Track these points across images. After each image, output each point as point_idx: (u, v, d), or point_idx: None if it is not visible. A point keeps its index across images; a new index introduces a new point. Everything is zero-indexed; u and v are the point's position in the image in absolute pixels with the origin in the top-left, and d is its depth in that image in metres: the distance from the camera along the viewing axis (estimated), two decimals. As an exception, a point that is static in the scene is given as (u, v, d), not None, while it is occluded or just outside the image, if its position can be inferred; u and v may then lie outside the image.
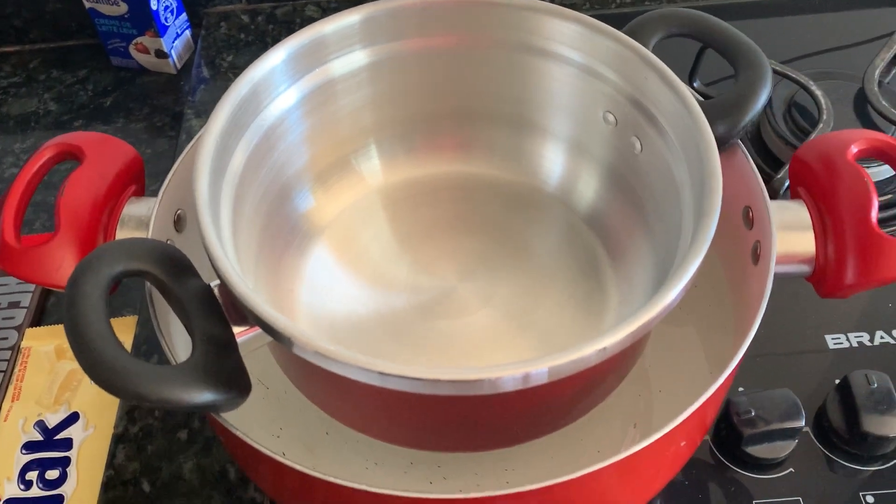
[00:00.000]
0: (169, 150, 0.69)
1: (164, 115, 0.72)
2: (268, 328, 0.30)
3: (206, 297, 0.32)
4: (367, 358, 0.29)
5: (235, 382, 0.31)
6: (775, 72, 0.58)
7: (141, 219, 0.38)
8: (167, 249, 0.33)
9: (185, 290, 0.32)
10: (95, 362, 0.28)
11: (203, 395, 0.29)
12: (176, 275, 0.32)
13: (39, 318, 0.59)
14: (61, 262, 0.36)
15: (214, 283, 0.32)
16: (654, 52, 0.38)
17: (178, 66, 0.74)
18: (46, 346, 0.56)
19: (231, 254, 0.33)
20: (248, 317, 0.31)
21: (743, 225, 0.40)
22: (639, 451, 0.32)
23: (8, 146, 0.70)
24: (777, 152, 0.59)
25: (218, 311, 0.32)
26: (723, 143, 0.37)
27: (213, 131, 0.34)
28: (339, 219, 0.44)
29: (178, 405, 0.29)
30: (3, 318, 0.58)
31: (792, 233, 0.37)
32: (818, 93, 0.58)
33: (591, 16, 0.39)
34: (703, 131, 0.34)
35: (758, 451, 0.46)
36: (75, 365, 0.55)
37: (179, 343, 0.38)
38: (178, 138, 0.69)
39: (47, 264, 0.35)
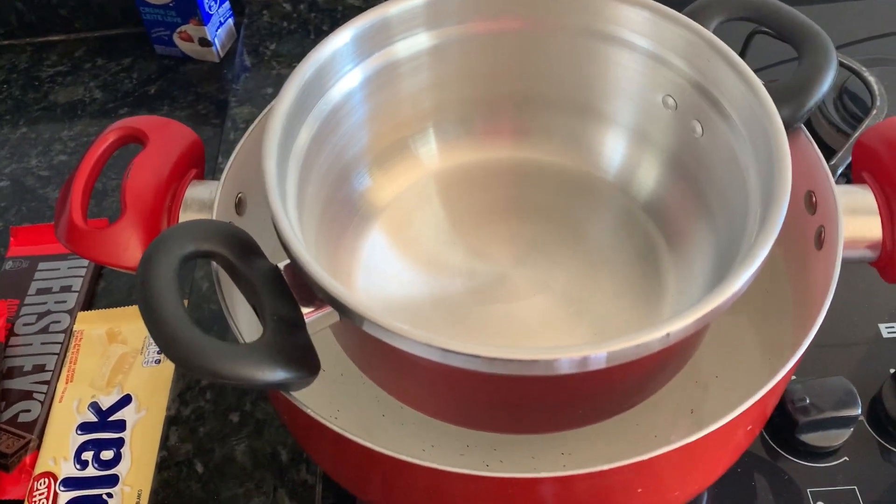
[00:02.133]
0: (213, 137, 0.69)
1: (208, 102, 0.73)
2: (339, 305, 0.30)
3: (274, 277, 0.32)
4: (431, 335, 0.29)
5: (306, 361, 0.31)
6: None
7: (203, 201, 0.39)
8: (234, 231, 0.33)
9: (253, 271, 0.32)
10: (172, 340, 0.29)
11: (276, 374, 0.29)
12: (244, 256, 0.32)
13: (90, 302, 0.60)
14: (127, 243, 0.36)
15: (282, 263, 0.33)
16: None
17: (221, 54, 0.75)
18: (98, 330, 0.57)
19: (298, 233, 0.33)
20: (318, 295, 0.31)
21: (805, 210, 0.39)
22: (700, 438, 0.32)
23: (56, 133, 0.71)
24: (828, 140, 0.58)
25: (286, 292, 0.32)
26: (787, 127, 0.37)
27: (280, 111, 0.34)
28: (395, 201, 0.44)
29: (252, 382, 0.29)
30: (56, 302, 0.59)
31: (858, 217, 0.36)
32: (871, 79, 0.57)
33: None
34: (771, 115, 0.34)
35: (812, 438, 0.46)
36: (126, 348, 0.56)
37: (242, 324, 0.38)
38: (222, 126, 0.69)
39: (114, 245, 0.36)
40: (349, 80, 0.39)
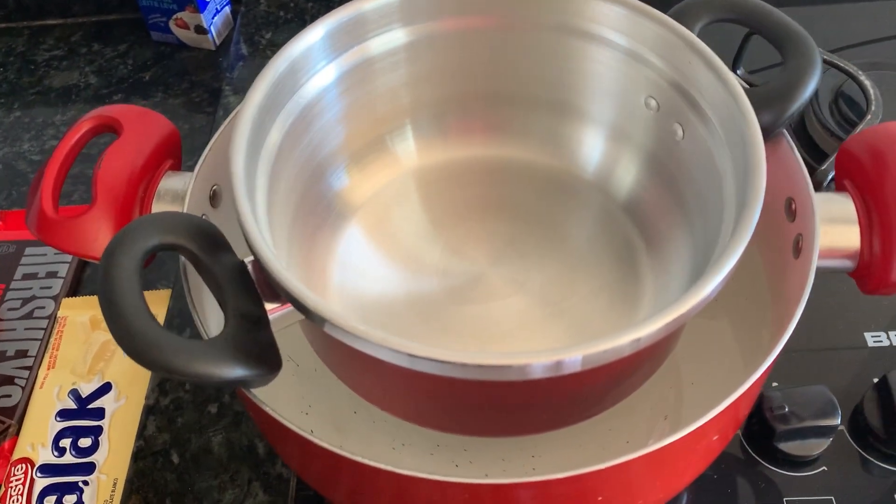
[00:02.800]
0: (206, 125, 0.69)
1: (202, 90, 0.72)
2: (300, 306, 0.30)
3: (239, 273, 0.32)
4: (397, 339, 0.29)
5: (266, 359, 0.31)
6: (822, 61, 0.57)
7: (177, 193, 0.39)
8: (202, 224, 0.33)
9: (218, 266, 0.32)
10: (128, 334, 0.29)
11: (234, 371, 0.29)
12: (210, 250, 0.32)
13: (76, 288, 0.60)
14: (97, 234, 0.36)
15: (248, 259, 0.32)
16: (699, 37, 0.37)
17: (217, 42, 0.75)
18: (82, 317, 0.57)
19: (265, 231, 0.33)
20: (280, 294, 0.31)
21: (785, 217, 0.39)
22: (670, 443, 0.31)
23: (49, 118, 0.71)
24: (821, 144, 0.58)
25: (251, 288, 0.32)
26: (768, 133, 0.36)
27: (250, 107, 0.34)
28: (372, 199, 0.44)
29: (208, 380, 0.29)
30: (41, 288, 0.59)
31: (836, 226, 0.36)
32: (867, 83, 0.56)
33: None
34: (748, 119, 0.33)
35: (790, 447, 0.45)
36: (109, 336, 0.56)
37: (212, 318, 0.38)
38: (215, 114, 0.69)
39: (83, 235, 0.36)
40: (323, 77, 0.38)
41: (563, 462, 0.38)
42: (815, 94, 0.58)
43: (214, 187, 0.40)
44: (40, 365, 0.55)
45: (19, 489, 0.49)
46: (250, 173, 0.33)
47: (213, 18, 0.73)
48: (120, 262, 0.30)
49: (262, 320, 0.31)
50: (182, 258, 0.35)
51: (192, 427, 0.50)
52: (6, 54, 0.76)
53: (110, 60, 0.75)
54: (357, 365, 0.36)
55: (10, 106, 0.72)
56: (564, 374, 0.30)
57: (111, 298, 0.29)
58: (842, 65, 0.57)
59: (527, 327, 0.40)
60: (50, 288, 0.59)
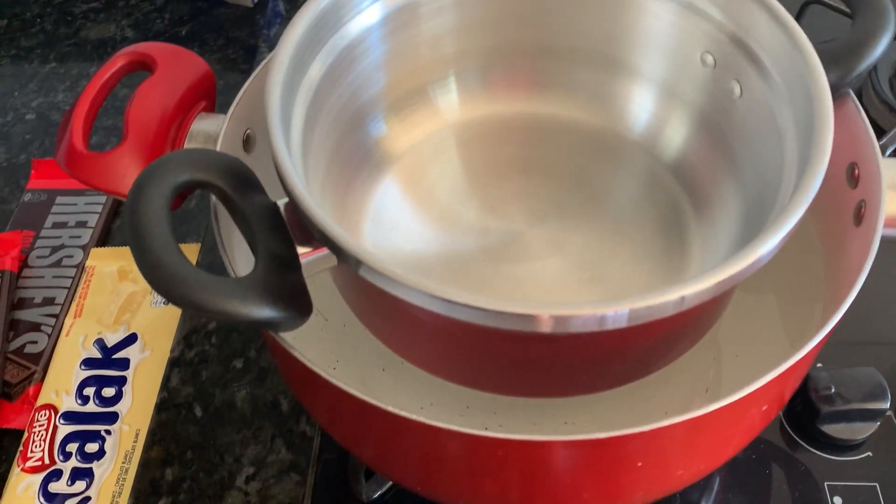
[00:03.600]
0: (241, 83, 0.68)
1: (238, 47, 0.71)
2: (335, 247, 0.29)
3: (271, 213, 0.31)
4: (434, 284, 0.28)
5: (296, 301, 0.29)
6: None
7: (209, 135, 0.37)
8: (234, 163, 0.32)
9: (250, 205, 0.31)
10: (155, 267, 0.28)
11: (262, 311, 0.28)
12: (242, 189, 0.31)
13: (105, 238, 0.59)
14: (126, 170, 0.35)
15: (282, 201, 0.31)
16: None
17: (255, -1, 0.74)
18: (110, 267, 0.56)
19: (300, 170, 0.32)
20: (314, 235, 0.30)
21: (846, 183, 0.37)
22: (712, 411, 0.30)
23: (84, 70, 0.71)
24: (879, 119, 0.55)
25: (283, 229, 0.30)
26: (834, 91, 0.34)
27: (291, 40, 0.33)
28: (409, 152, 0.42)
29: (236, 318, 0.28)
30: (71, 237, 0.58)
31: (904, 193, 0.34)
32: (932, 57, 0.53)
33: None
34: (816, 73, 0.31)
35: (834, 430, 0.43)
36: (136, 287, 0.56)
37: (242, 265, 0.37)
38: (251, 72, 0.68)
39: (113, 171, 0.35)
40: (368, 16, 0.37)
41: (597, 430, 0.37)
42: (875, 67, 0.56)
43: (248, 131, 0.39)
44: (67, 313, 0.54)
45: (42, 434, 0.49)
46: (286, 111, 0.32)
47: (251, -26, 0.72)
48: (149, 196, 0.29)
49: (293, 263, 0.30)
50: (213, 198, 0.34)
51: (216, 381, 0.50)
52: (44, 5, 0.76)
53: (147, 14, 0.75)
54: (390, 314, 0.34)
55: (45, 56, 0.72)
56: (603, 332, 0.28)
57: (139, 233, 0.28)
58: (905, 37, 0.55)
59: (563, 289, 0.39)
60: (79, 237, 0.58)
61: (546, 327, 0.28)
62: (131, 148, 0.35)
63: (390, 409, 0.29)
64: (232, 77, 0.69)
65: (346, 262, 0.29)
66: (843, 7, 0.39)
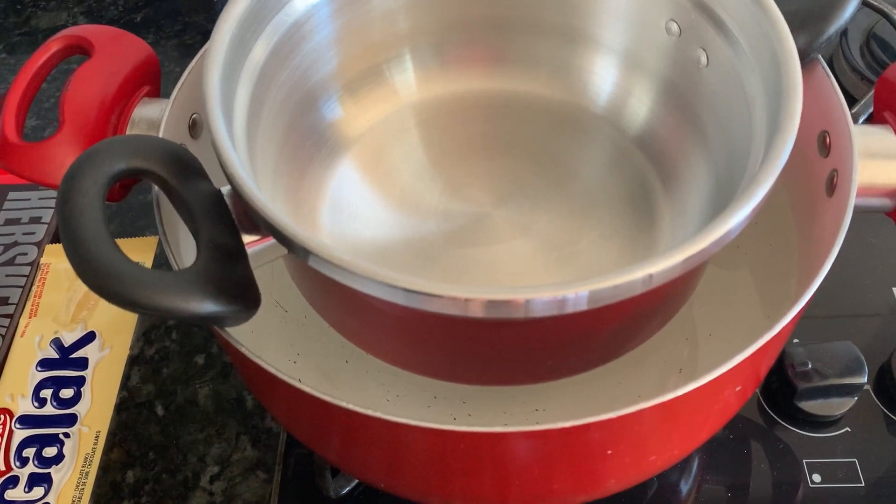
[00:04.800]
0: (198, 68, 0.66)
1: (195, 32, 0.69)
2: (280, 237, 0.27)
3: (215, 201, 0.29)
4: (391, 273, 0.26)
5: (242, 294, 0.28)
6: None
7: (153, 121, 0.35)
8: (175, 149, 0.30)
9: (192, 193, 0.29)
10: (87, 263, 0.26)
11: (205, 305, 0.26)
12: (184, 176, 0.29)
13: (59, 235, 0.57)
14: (63, 160, 0.33)
15: (226, 188, 0.30)
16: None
17: (211, -19, 0.71)
18: (65, 264, 0.54)
19: (244, 156, 0.30)
20: (259, 224, 0.28)
21: (818, 152, 0.35)
22: (685, 394, 0.29)
23: (35, 60, 0.68)
24: (850, 87, 0.54)
25: (227, 218, 0.29)
26: (802, 57, 0.32)
27: (229, 19, 0.31)
28: (367, 134, 0.41)
29: (176, 314, 0.26)
30: (24, 234, 0.56)
31: (876, 161, 0.32)
32: (903, 22, 0.52)
33: None
34: (783, 37, 0.30)
35: (812, 406, 0.42)
36: (94, 284, 0.54)
37: (189, 257, 0.35)
38: (208, 57, 0.66)
39: (48, 162, 0.33)
40: (313, -9, 0.35)
41: (569, 416, 0.36)
42: (845, 34, 0.55)
43: (194, 116, 0.37)
44: (22, 313, 0.52)
45: (-3, 440, 0.47)
46: (228, 90, 0.30)
47: (207, -44, 0.70)
48: (81, 186, 0.27)
49: (238, 253, 0.28)
50: (155, 188, 0.32)
51: (177, 378, 0.48)
52: (-8, -7, 0.73)
53: (100, 1, 0.72)
54: (346, 306, 0.33)
55: (-6, 47, 0.69)
56: (567, 316, 0.27)
57: (70, 224, 0.27)
58: (875, 3, 0.54)
59: (532, 272, 0.37)
60: (33, 234, 0.56)
61: (509, 312, 0.26)
62: (68, 136, 0.33)
63: (351, 406, 0.28)
64: (189, 63, 0.67)
65: (294, 251, 0.27)
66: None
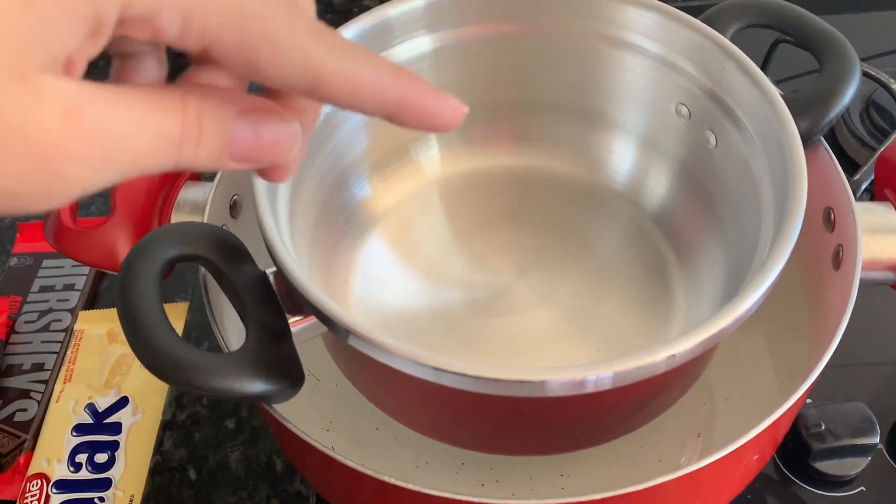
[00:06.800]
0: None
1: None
2: (324, 318, 0.29)
3: (261, 284, 0.31)
4: (422, 352, 0.28)
5: (288, 373, 0.30)
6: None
7: (196, 203, 0.38)
8: (222, 234, 0.32)
9: (239, 277, 0.31)
10: (147, 348, 0.28)
11: (255, 385, 0.28)
12: (231, 260, 0.31)
13: (93, 301, 0.59)
14: (115, 245, 0.35)
15: (270, 270, 0.32)
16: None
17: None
18: (98, 330, 0.56)
19: (288, 241, 0.32)
20: (303, 306, 0.30)
21: (823, 227, 0.37)
22: (707, 465, 0.30)
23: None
24: (852, 154, 0.56)
25: (273, 299, 0.31)
26: (805, 140, 0.35)
27: (272, 114, 0.33)
28: (395, 209, 0.43)
29: (229, 394, 0.28)
30: (58, 301, 0.58)
31: (879, 236, 0.34)
32: (900, 91, 0.54)
33: (664, 2, 0.37)
34: (787, 125, 0.32)
35: (827, 467, 0.43)
36: (126, 349, 0.55)
37: (232, 332, 0.37)
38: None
39: (102, 246, 0.35)
40: (348, 83, 0.37)
41: (593, 482, 0.37)
42: (846, 103, 0.57)
43: (235, 197, 0.39)
44: (56, 378, 0.54)
45: (34, 505, 0.48)
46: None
47: (231, 30, 0.73)
48: (139, 274, 0.29)
49: (284, 333, 0.30)
50: (202, 269, 0.35)
51: (209, 442, 0.49)
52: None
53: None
54: (380, 379, 0.35)
55: (28, 118, 0.72)
56: (595, 392, 0.28)
57: (130, 311, 0.29)
58: (873, 73, 0.56)
59: (553, 341, 0.39)
60: (67, 300, 0.58)
61: (546, 392, 0.28)
62: (119, 222, 0.36)
63: (383, 477, 0.29)
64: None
65: (335, 331, 0.29)
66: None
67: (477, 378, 0.28)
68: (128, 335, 0.28)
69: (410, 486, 0.30)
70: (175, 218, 0.37)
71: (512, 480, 0.38)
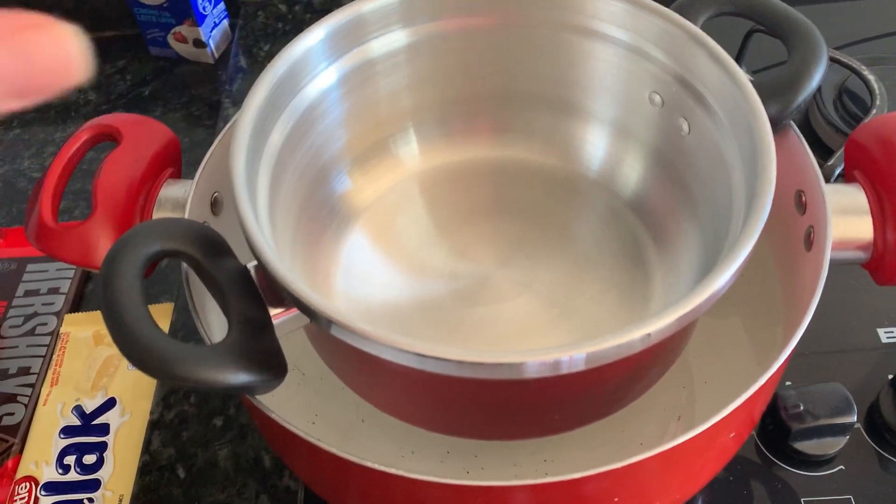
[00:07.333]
0: (206, 139, 0.69)
1: (201, 104, 0.72)
2: (305, 309, 0.30)
3: (242, 277, 0.31)
4: (405, 339, 0.28)
5: (271, 364, 0.30)
6: (825, 56, 0.57)
7: (177, 201, 0.38)
8: (203, 230, 0.32)
9: (221, 271, 0.31)
10: (131, 342, 0.28)
11: (239, 376, 0.29)
12: (212, 255, 0.32)
13: (78, 304, 0.59)
14: (97, 243, 0.35)
15: (251, 263, 0.32)
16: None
17: (216, 55, 0.75)
18: (84, 332, 0.56)
19: (268, 234, 0.33)
20: (285, 298, 0.30)
21: (795, 210, 0.38)
22: (684, 442, 0.31)
23: (49, 136, 0.71)
24: (826, 140, 0.57)
25: (254, 292, 0.31)
26: (775, 124, 0.35)
27: (251, 109, 0.33)
28: (376, 203, 0.43)
29: (213, 386, 0.28)
30: (43, 304, 0.58)
31: (848, 217, 0.35)
32: (871, 77, 0.56)
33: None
34: (756, 110, 0.33)
35: (806, 447, 0.44)
36: (112, 351, 0.56)
37: (216, 327, 0.37)
38: (215, 127, 0.69)
39: (83, 244, 0.35)
40: (324, 79, 0.38)
41: (576, 465, 0.37)
42: (819, 90, 0.58)
43: (215, 194, 0.40)
44: (43, 382, 0.54)
45: (23, 508, 0.48)
46: (251, 175, 0.33)
47: (211, 32, 0.73)
48: (121, 269, 0.30)
49: (266, 325, 0.31)
50: (184, 265, 0.35)
51: (197, 441, 0.50)
52: (5, 73, 0.76)
53: (109, 77, 0.75)
54: (364, 368, 0.35)
55: (8, 124, 0.72)
56: (575, 373, 0.29)
57: (112, 306, 0.29)
58: (845, 60, 0.57)
59: (535, 328, 0.40)
60: (52, 304, 0.58)
61: (524, 373, 0.28)
62: (101, 220, 0.36)
63: (368, 464, 0.30)
64: (196, 134, 0.70)
65: (317, 322, 0.30)
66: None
67: (458, 362, 0.28)
68: (111, 329, 0.28)
69: (397, 472, 0.30)
70: (156, 215, 0.38)
71: (496, 467, 0.39)
